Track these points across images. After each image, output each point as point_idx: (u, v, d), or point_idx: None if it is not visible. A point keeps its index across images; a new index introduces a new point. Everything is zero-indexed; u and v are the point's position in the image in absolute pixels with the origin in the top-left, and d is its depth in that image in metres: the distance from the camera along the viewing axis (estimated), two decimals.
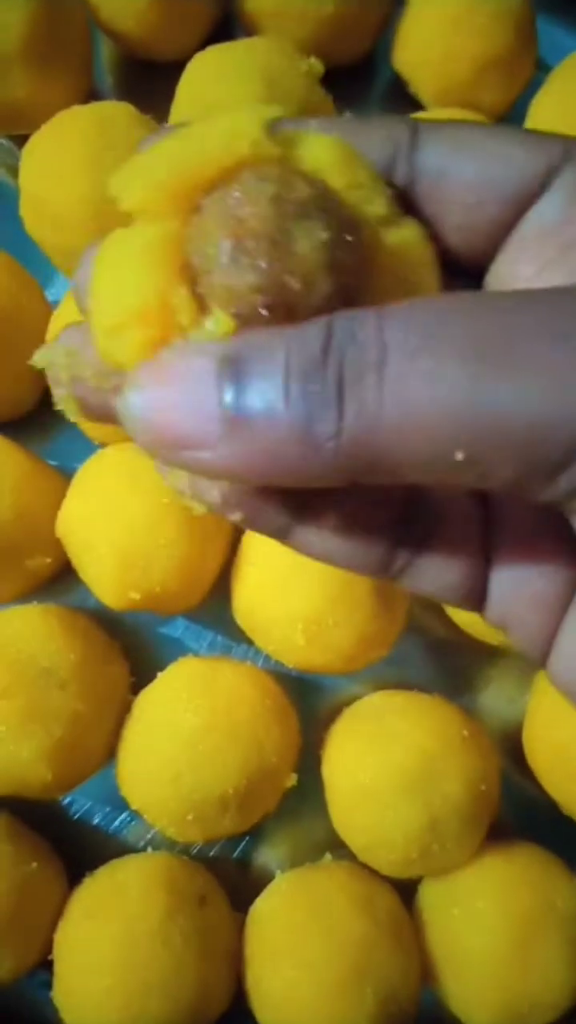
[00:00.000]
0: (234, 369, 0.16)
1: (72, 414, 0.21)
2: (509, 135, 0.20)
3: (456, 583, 0.22)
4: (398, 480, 0.17)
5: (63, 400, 0.21)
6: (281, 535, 0.21)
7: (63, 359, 0.20)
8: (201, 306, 0.18)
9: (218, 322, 0.18)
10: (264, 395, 0.16)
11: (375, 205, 0.19)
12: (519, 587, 0.21)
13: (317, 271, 0.18)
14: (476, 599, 0.22)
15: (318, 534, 0.21)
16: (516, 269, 0.20)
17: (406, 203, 0.20)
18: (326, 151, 0.19)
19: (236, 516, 0.20)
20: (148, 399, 0.17)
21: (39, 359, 0.21)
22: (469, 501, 0.22)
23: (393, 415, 0.16)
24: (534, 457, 0.16)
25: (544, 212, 0.20)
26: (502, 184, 0.20)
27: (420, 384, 0.15)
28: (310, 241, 0.18)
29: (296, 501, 0.20)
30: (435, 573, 0.21)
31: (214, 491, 0.20)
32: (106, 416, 0.20)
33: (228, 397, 0.16)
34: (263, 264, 0.17)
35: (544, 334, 0.16)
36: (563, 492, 0.17)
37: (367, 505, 0.21)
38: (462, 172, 0.20)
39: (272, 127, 0.19)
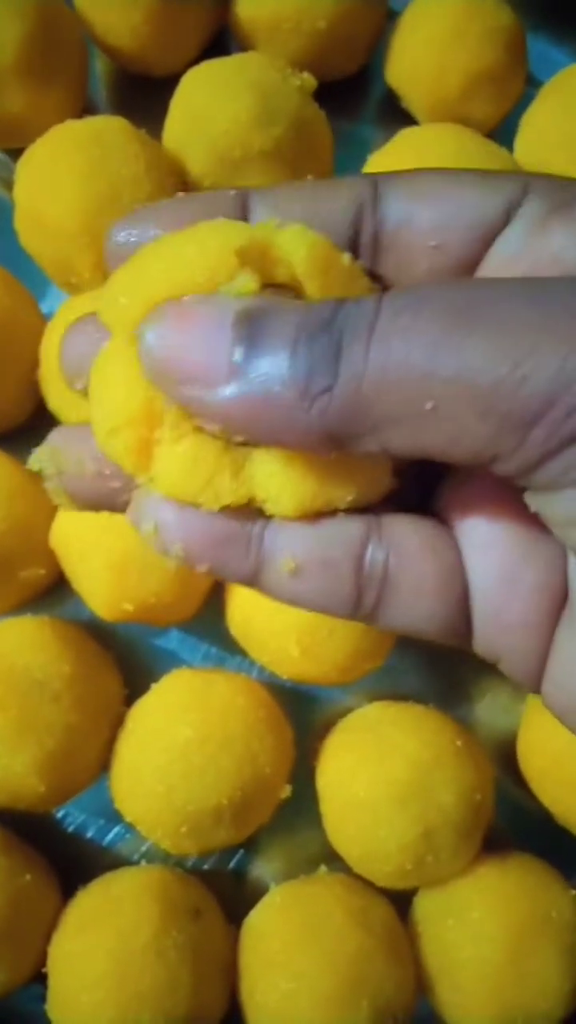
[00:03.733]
0: (249, 322, 0.18)
1: (64, 505, 0.23)
2: (467, 179, 0.21)
3: (432, 611, 0.21)
4: (381, 444, 0.18)
5: (53, 493, 0.23)
6: (248, 581, 0.21)
7: (49, 458, 0.22)
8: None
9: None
10: (272, 349, 0.18)
11: (357, 289, 0.21)
12: (502, 611, 0.21)
13: None
14: (460, 630, 0.22)
15: (282, 576, 0.21)
16: None
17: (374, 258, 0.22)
18: (301, 249, 0.20)
19: (203, 567, 0.21)
20: (166, 334, 0.18)
21: (33, 462, 0.23)
22: (434, 526, 0.22)
23: (376, 369, 0.17)
24: (502, 412, 0.17)
25: (505, 246, 0.21)
26: (462, 225, 0.21)
27: (399, 341, 0.17)
28: None
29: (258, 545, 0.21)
30: (407, 604, 0.21)
31: (177, 544, 0.21)
32: (93, 502, 0.23)
33: (239, 347, 0.18)
34: None
35: (517, 297, 0.17)
36: (535, 453, 0.17)
37: (324, 543, 0.21)
38: (423, 218, 0.21)
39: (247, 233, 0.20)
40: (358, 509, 0.22)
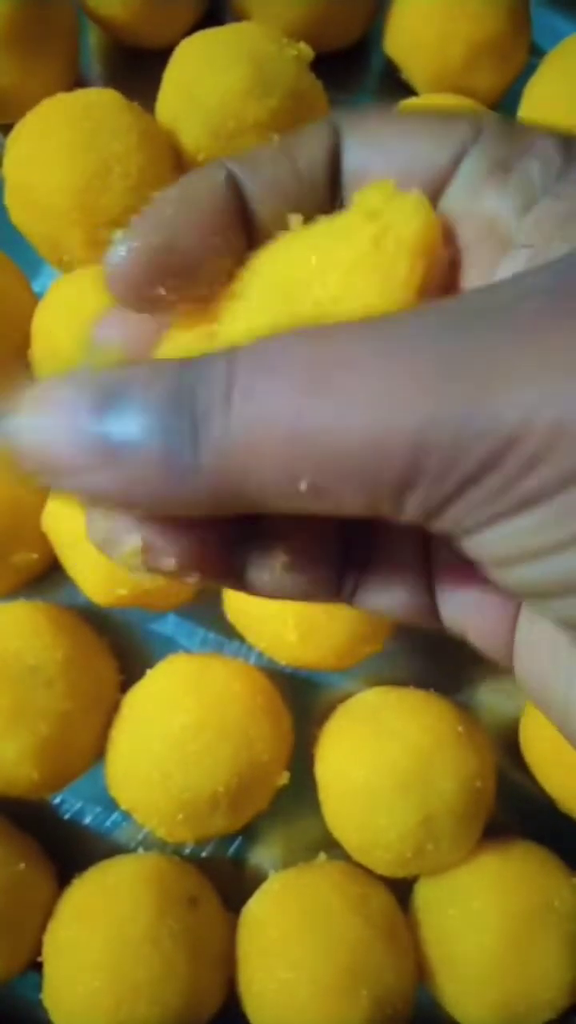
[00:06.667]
0: (105, 402, 0.16)
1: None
2: (421, 126, 0.20)
3: (405, 600, 0.22)
4: (270, 509, 0.16)
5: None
6: (236, 585, 0.21)
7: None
8: None
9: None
10: (129, 428, 0.16)
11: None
12: (464, 595, 0.22)
13: None
14: (431, 614, 0.23)
15: (270, 574, 0.21)
16: None
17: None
18: (413, 222, 0.19)
19: (193, 577, 0.21)
20: (27, 426, 0.17)
21: None
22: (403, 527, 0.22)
23: (240, 442, 0.15)
24: (374, 480, 0.15)
25: (450, 203, 0.20)
26: (414, 179, 0.20)
27: (257, 408, 0.15)
28: None
29: (245, 550, 0.21)
30: (382, 593, 0.22)
31: (171, 559, 0.20)
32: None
33: (99, 432, 0.16)
34: None
35: (369, 352, 0.15)
36: (416, 514, 0.16)
37: (310, 540, 0.21)
38: (376, 171, 0.20)
39: None
40: None
